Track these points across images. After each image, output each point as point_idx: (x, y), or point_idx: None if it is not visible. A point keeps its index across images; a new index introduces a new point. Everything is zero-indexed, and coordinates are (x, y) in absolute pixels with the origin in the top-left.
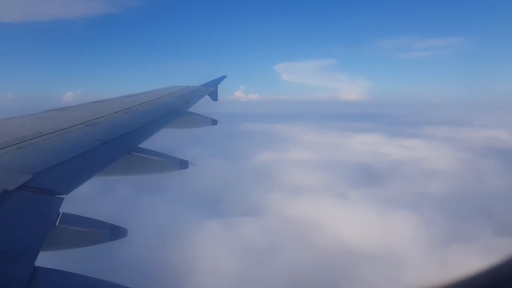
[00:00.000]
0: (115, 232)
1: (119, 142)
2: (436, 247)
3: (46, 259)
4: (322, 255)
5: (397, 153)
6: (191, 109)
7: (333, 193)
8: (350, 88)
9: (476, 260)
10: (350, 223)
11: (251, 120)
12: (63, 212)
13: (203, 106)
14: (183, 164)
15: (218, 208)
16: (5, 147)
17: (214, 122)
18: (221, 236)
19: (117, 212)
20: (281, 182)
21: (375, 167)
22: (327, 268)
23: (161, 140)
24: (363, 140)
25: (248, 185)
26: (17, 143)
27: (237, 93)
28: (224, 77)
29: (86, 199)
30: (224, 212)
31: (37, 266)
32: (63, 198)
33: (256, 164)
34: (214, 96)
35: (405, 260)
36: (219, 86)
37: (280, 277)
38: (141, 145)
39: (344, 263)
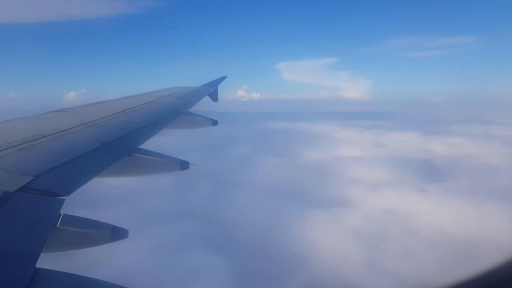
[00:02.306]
0: (116, 233)
1: (120, 143)
2: None
3: (47, 261)
4: (430, 244)
5: (445, 150)
6: (192, 110)
7: (411, 187)
8: (353, 87)
9: None
10: (446, 214)
11: (269, 119)
12: (64, 214)
13: (209, 106)
14: (183, 165)
15: (307, 201)
16: (6, 148)
17: (215, 122)
18: (328, 226)
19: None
20: (351, 177)
21: (435, 163)
22: (438, 256)
23: (181, 141)
24: (401, 138)
25: (319, 180)
26: (18, 145)
27: (239, 92)
28: (224, 77)
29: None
30: (317, 204)
31: (38, 268)
32: (64, 200)
33: (313, 161)
34: (214, 96)
35: None
36: (219, 86)
37: (398, 264)
38: (143, 146)
39: (455, 252)
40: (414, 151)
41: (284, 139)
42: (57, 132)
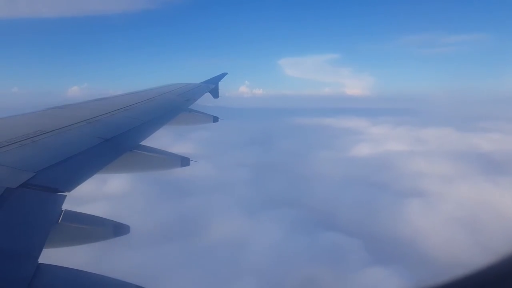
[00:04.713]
0: (118, 229)
1: (121, 140)
2: None
3: (49, 256)
4: None
5: (492, 145)
6: (195, 107)
7: (483, 179)
8: (354, 83)
9: None
10: None
11: (287, 115)
12: (65, 210)
13: (218, 102)
14: (184, 161)
15: (390, 191)
16: (7, 145)
17: (215, 119)
18: (425, 213)
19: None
20: (417, 169)
21: (491, 158)
22: None
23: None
24: (438, 134)
25: (389, 172)
26: (19, 141)
27: (242, 88)
28: (224, 74)
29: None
30: (403, 194)
31: (40, 263)
32: (66, 196)
33: (368, 155)
34: (215, 93)
35: None
36: (221, 83)
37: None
38: (144, 143)
39: None
40: (461, 146)
41: (323, 134)
42: (58, 129)
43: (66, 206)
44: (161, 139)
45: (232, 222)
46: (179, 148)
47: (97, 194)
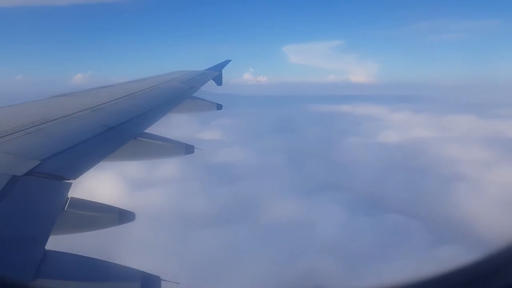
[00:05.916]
0: (123, 216)
1: (125, 128)
2: None
3: (55, 243)
4: None
5: None
6: (196, 94)
7: None
8: (359, 70)
9: None
10: None
11: (301, 102)
12: (71, 197)
13: (222, 89)
14: (188, 149)
15: (430, 175)
16: (13, 133)
17: (219, 107)
18: (476, 194)
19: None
20: (453, 155)
21: None
22: None
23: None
24: (460, 121)
25: (422, 158)
26: (24, 129)
27: (246, 75)
28: (228, 61)
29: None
30: (449, 178)
31: (47, 249)
32: (71, 183)
33: (396, 141)
34: (218, 80)
35: None
36: (224, 70)
37: None
38: (149, 130)
39: None
40: (488, 133)
41: (344, 121)
42: (62, 117)
43: (72, 193)
44: (184, 127)
45: (290, 205)
46: (206, 135)
47: (147, 180)
